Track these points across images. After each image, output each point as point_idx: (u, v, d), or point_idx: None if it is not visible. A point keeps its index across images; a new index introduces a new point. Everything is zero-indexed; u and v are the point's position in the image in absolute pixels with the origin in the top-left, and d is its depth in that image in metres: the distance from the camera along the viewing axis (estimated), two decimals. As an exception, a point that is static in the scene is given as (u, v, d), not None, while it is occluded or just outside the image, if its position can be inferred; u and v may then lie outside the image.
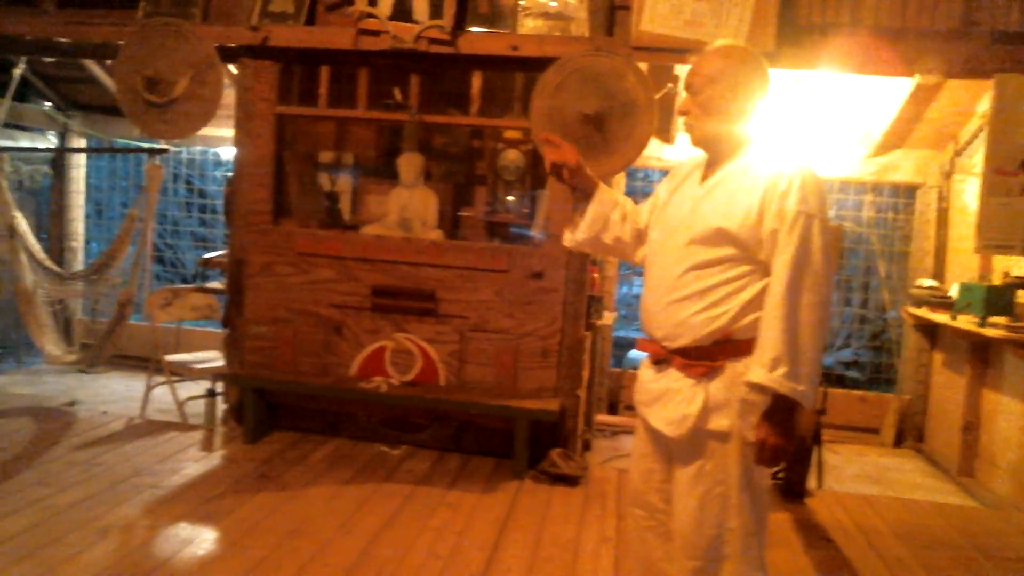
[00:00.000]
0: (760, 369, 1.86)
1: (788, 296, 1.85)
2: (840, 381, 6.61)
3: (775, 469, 2.04)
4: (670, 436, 2.02)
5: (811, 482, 4.09)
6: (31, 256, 5.06)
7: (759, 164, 1.98)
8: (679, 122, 4.43)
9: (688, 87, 2.07)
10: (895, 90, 4.98)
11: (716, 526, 1.98)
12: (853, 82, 4.94)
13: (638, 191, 6.79)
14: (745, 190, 1.95)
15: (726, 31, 3.72)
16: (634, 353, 7.46)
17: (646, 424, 2.17)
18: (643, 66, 3.93)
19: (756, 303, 1.94)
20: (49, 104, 6.57)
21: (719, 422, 1.96)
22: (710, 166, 2.09)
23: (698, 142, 2.11)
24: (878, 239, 6.25)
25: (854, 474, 5.17)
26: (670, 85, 4.48)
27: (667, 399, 2.05)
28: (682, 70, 4.44)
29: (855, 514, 3.78)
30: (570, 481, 3.92)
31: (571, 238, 2.34)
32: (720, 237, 1.95)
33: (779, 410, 1.88)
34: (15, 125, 6.19)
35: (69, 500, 3.35)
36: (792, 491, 3.91)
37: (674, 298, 2.01)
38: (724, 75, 2.00)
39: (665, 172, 6.59)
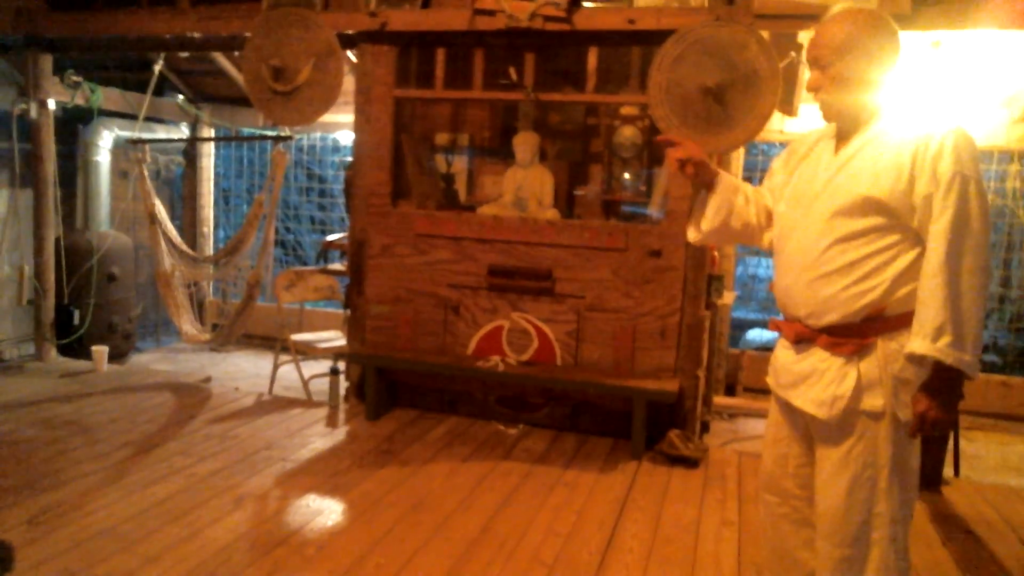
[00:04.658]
0: (922, 340, 1.75)
1: (948, 262, 1.73)
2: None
3: (924, 451, 1.91)
4: (821, 418, 1.93)
5: (946, 471, 3.86)
6: (169, 241, 5.34)
7: (901, 129, 1.86)
8: (804, 94, 4.24)
9: (815, 61, 1.93)
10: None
11: (864, 511, 1.88)
12: (998, 40, 4.57)
13: (757, 166, 6.56)
14: (891, 155, 1.83)
15: (857, -7, 3.50)
16: (752, 334, 7.26)
17: (783, 406, 2.09)
18: (765, 35, 3.77)
19: (909, 275, 1.82)
20: (182, 97, 6.94)
21: (872, 401, 1.86)
22: (843, 136, 1.97)
23: (832, 117, 1.99)
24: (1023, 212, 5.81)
25: (996, 464, 4.85)
26: (793, 54, 4.27)
27: (813, 380, 1.95)
28: (806, 37, 4.23)
29: (1001, 507, 3.55)
30: (690, 463, 3.85)
31: (696, 231, 2.26)
32: (868, 206, 1.84)
33: (941, 382, 1.77)
34: (153, 118, 6.57)
35: (209, 469, 3.56)
36: (927, 479, 3.70)
37: (818, 274, 1.91)
38: (854, 44, 1.86)
39: (786, 146, 6.33)
